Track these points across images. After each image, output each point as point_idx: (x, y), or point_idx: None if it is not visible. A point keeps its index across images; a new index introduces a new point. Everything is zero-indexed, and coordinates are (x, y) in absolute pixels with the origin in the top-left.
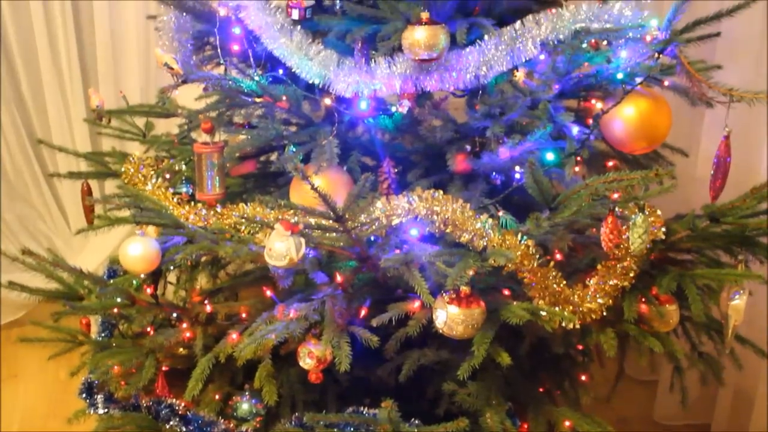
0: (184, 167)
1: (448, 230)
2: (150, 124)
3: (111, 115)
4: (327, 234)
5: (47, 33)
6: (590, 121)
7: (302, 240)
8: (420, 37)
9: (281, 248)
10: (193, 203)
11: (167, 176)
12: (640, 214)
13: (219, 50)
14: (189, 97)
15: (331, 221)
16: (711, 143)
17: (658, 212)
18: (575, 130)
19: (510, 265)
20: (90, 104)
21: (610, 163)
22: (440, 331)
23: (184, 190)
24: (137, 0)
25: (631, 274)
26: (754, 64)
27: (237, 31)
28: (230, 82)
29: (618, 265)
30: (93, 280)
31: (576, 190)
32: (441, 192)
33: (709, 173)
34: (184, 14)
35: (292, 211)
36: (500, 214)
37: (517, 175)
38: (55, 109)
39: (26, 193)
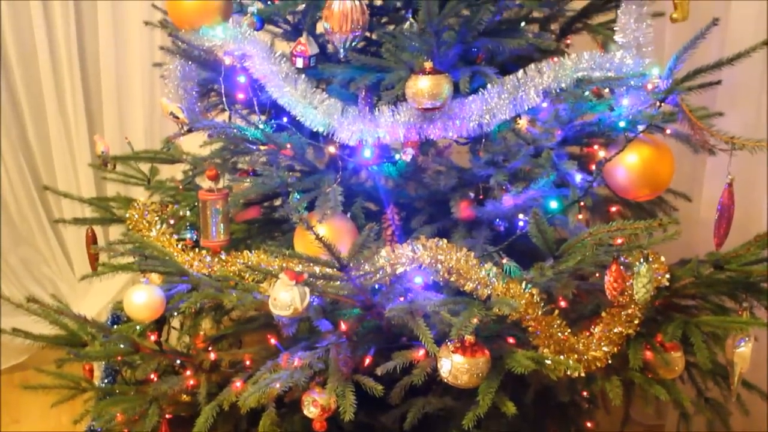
0: (188, 213)
1: (452, 279)
2: (155, 169)
3: (116, 161)
4: (331, 282)
5: (54, 79)
6: (593, 167)
7: (306, 289)
8: (423, 86)
9: (286, 298)
10: (197, 249)
11: (172, 222)
12: (644, 263)
13: (224, 98)
14: (194, 142)
15: (335, 270)
16: (714, 186)
17: (662, 258)
18: (578, 177)
19: (514, 314)
20: (95, 150)
21: (614, 209)
22: (445, 380)
23: (188, 236)
24: (143, 46)
25: (636, 322)
26: (756, 110)
27: (242, 79)
28: (235, 130)
29: (622, 313)
30: (97, 327)
31: (580, 239)
32: (445, 240)
33: (713, 218)
34: (190, 63)
35: (296, 260)
36: (504, 261)
37: (521, 223)
38: (60, 154)
39: (31, 237)
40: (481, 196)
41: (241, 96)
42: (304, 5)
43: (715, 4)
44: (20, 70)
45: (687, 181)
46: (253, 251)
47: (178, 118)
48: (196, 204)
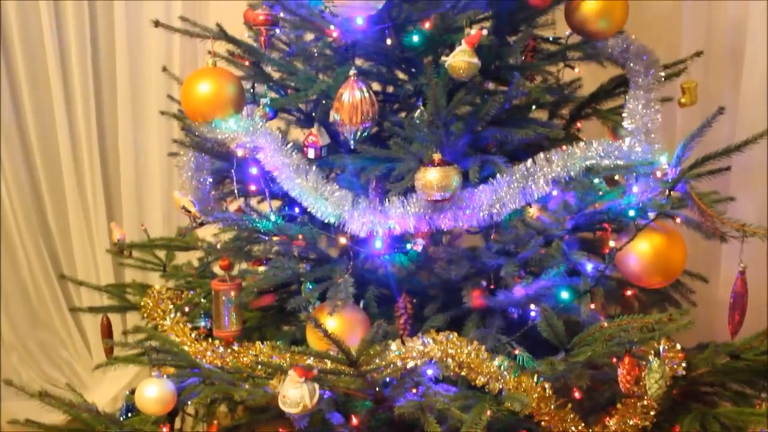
0: (203, 300)
1: (463, 373)
2: (171, 255)
3: (132, 249)
4: (342, 377)
5: (74, 165)
6: (606, 250)
7: (316, 386)
8: (432, 178)
9: (295, 395)
10: (210, 339)
11: (186, 309)
12: (656, 359)
13: (235, 187)
14: (209, 229)
15: (345, 365)
16: (732, 265)
17: (678, 346)
18: (589, 267)
19: (526, 410)
20: (112, 238)
21: (629, 292)
22: None
23: (202, 324)
24: (161, 134)
25: (652, 413)
26: None
27: (254, 171)
28: (246, 223)
29: (638, 404)
30: (109, 420)
31: (591, 332)
32: (455, 334)
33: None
34: (203, 155)
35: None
36: (516, 352)
37: (533, 313)
38: (79, 239)
39: (49, 320)
40: (492, 285)
41: (253, 188)
42: (315, 96)
43: (725, 86)
44: (40, 153)
45: (704, 260)
46: (265, 342)
47: (189, 212)
48: (210, 291)
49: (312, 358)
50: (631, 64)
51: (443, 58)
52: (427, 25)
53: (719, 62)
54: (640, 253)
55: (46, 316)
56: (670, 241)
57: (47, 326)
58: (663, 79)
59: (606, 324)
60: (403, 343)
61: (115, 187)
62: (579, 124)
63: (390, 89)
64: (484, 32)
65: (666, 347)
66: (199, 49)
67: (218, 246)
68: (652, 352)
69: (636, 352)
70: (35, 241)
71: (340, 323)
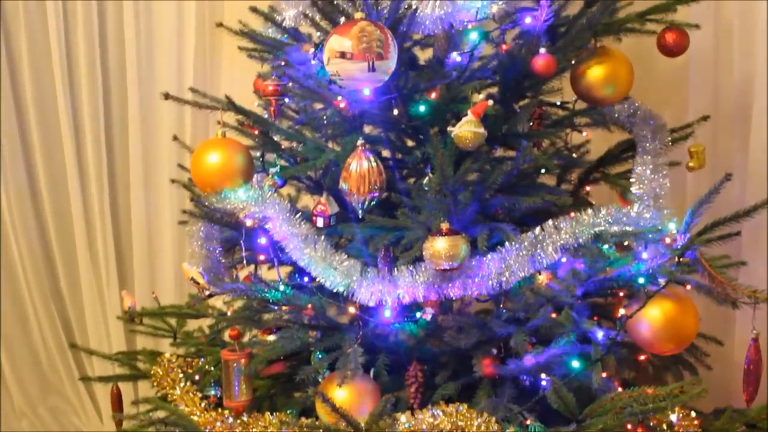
0: (213, 369)
1: None
2: (182, 322)
3: (142, 317)
4: None
5: (86, 230)
6: (618, 314)
7: None
8: (441, 248)
9: None
10: (220, 409)
11: (197, 378)
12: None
13: (244, 255)
14: (220, 296)
15: None
16: (746, 326)
17: (693, 414)
18: (600, 334)
19: None
20: (123, 306)
21: (642, 357)
22: None
23: (212, 393)
24: (173, 202)
25: None
26: None
27: (263, 241)
28: (256, 293)
29: None
30: None
31: (603, 403)
32: (465, 406)
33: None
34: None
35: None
36: (528, 422)
37: (544, 382)
38: (91, 306)
39: (61, 387)
40: (503, 353)
41: (262, 257)
42: (323, 165)
43: (734, 146)
44: (53, 219)
45: (718, 321)
46: (275, 414)
47: (198, 283)
48: (220, 360)
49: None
50: (638, 129)
51: (449, 128)
52: (433, 95)
53: (727, 123)
54: (651, 320)
55: (57, 383)
56: (681, 307)
57: (59, 393)
58: (670, 143)
59: (618, 394)
60: (412, 415)
61: (127, 253)
62: (588, 188)
63: (399, 155)
64: (490, 102)
65: (680, 415)
66: (210, 116)
67: (229, 314)
68: (665, 423)
69: (649, 421)
70: (47, 307)
71: (349, 394)
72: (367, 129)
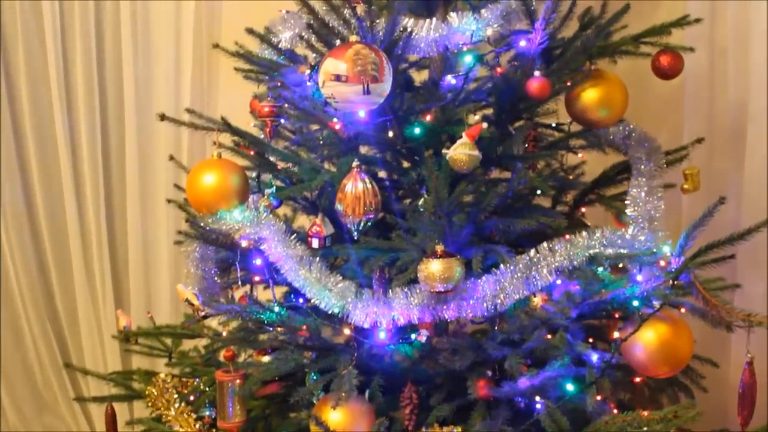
0: (207, 389)
1: None
2: (177, 342)
3: (137, 336)
4: None
5: (83, 254)
6: (613, 336)
7: None
8: (435, 270)
9: None
10: (214, 430)
11: (191, 398)
12: None
13: (239, 275)
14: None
15: None
16: (742, 348)
17: None
18: (594, 357)
19: None
20: (118, 325)
21: (637, 379)
22: None
23: (207, 413)
24: (170, 222)
25: None
26: None
27: (258, 261)
28: (251, 314)
29: None
30: None
31: (597, 427)
32: (459, 429)
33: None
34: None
35: None
36: None
37: (539, 405)
38: (87, 324)
39: (55, 405)
40: (498, 375)
41: (257, 278)
42: (319, 187)
43: (729, 168)
44: (49, 238)
45: (713, 343)
46: None
47: (193, 305)
48: (215, 380)
49: None
50: (633, 151)
51: (445, 150)
52: (428, 117)
53: (722, 144)
54: (645, 342)
55: (52, 402)
56: (676, 330)
57: (53, 412)
58: (665, 165)
59: (613, 418)
60: None
61: (123, 273)
62: (583, 209)
63: (394, 176)
64: (485, 125)
65: None
66: (207, 135)
67: (224, 334)
68: None
69: None
70: (43, 326)
71: (344, 416)
72: (362, 149)
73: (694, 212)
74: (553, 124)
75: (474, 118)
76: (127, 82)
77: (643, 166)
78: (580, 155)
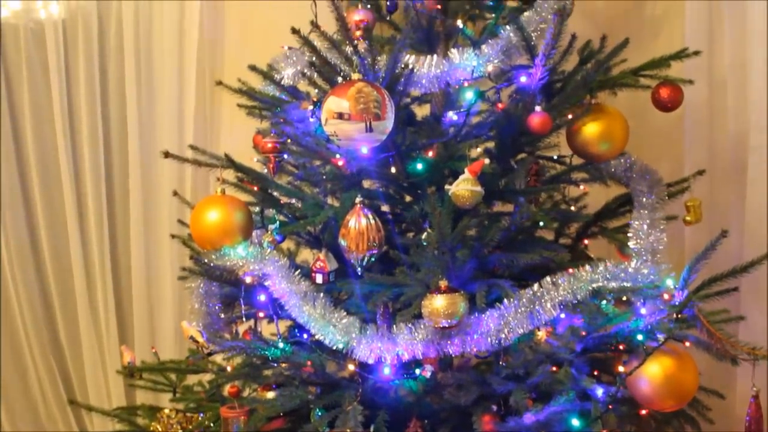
0: (212, 425)
1: None
2: (182, 376)
3: (141, 372)
4: None
5: (87, 290)
6: (617, 369)
7: None
8: (439, 305)
9: None
10: None
11: None
12: None
13: (243, 311)
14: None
15: None
16: (748, 380)
17: None
18: (600, 391)
19: None
20: (122, 361)
21: (643, 412)
22: None
23: None
24: (172, 258)
25: None
26: None
27: (262, 297)
28: (255, 351)
29: None
30: None
31: None
32: None
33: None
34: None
35: None
36: None
37: None
38: (91, 360)
39: None
40: (503, 410)
41: (261, 314)
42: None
43: (731, 199)
44: (54, 273)
45: (719, 375)
46: None
47: (197, 342)
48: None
49: None
50: (635, 184)
51: (447, 186)
52: (430, 153)
53: (723, 176)
54: (650, 376)
55: None
56: (680, 363)
57: None
58: (667, 198)
59: None
60: None
61: (127, 308)
62: (586, 242)
63: (397, 210)
64: (486, 161)
65: None
66: (211, 170)
67: (228, 369)
68: None
69: None
70: (47, 361)
71: None
72: (365, 183)
73: (697, 244)
74: (555, 157)
75: (476, 151)
76: (131, 119)
77: (645, 199)
78: (581, 187)
